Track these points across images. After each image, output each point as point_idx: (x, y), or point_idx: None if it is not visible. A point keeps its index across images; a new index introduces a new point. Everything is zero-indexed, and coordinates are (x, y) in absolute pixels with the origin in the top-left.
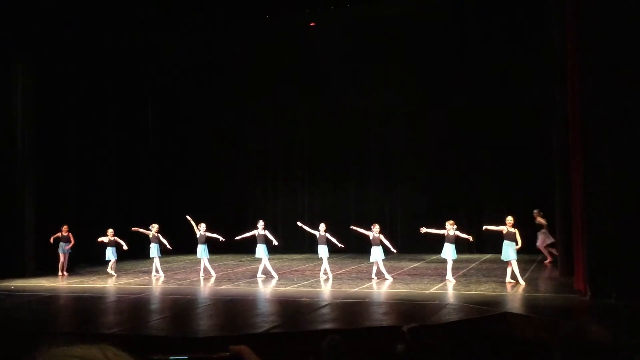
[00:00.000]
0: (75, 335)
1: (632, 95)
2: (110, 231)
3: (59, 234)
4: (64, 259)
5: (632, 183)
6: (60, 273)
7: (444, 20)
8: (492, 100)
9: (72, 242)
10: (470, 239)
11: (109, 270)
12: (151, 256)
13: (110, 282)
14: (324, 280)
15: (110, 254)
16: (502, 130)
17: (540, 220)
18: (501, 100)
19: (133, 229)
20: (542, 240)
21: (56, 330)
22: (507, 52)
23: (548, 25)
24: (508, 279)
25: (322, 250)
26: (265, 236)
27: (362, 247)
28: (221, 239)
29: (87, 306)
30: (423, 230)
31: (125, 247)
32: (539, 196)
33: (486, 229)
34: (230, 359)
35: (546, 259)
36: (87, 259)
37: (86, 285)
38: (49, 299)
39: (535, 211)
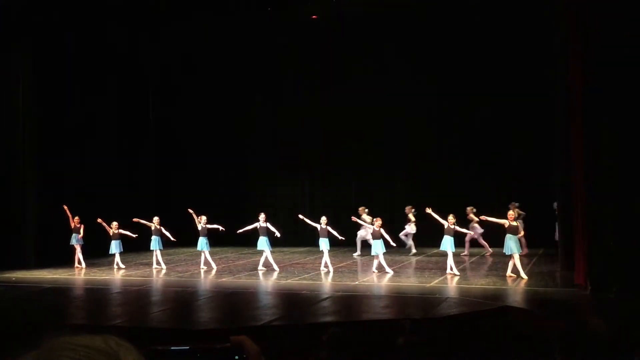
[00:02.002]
0: (80, 326)
1: (633, 94)
2: (114, 224)
3: (72, 224)
4: (79, 250)
5: (633, 179)
6: (76, 265)
7: (444, 16)
8: (494, 97)
9: (81, 234)
10: (471, 233)
11: (116, 264)
12: (152, 248)
13: (112, 274)
14: (325, 273)
15: (115, 247)
16: (504, 126)
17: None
18: (503, 97)
19: (134, 219)
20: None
21: (58, 322)
22: (509, 50)
23: (550, 25)
24: (509, 272)
25: (323, 243)
26: (266, 229)
27: (363, 241)
28: (221, 228)
29: (89, 298)
30: (428, 210)
31: (133, 235)
32: (540, 191)
33: (485, 219)
34: (231, 350)
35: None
36: (88, 251)
37: (88, 277)
38: (50, 291)
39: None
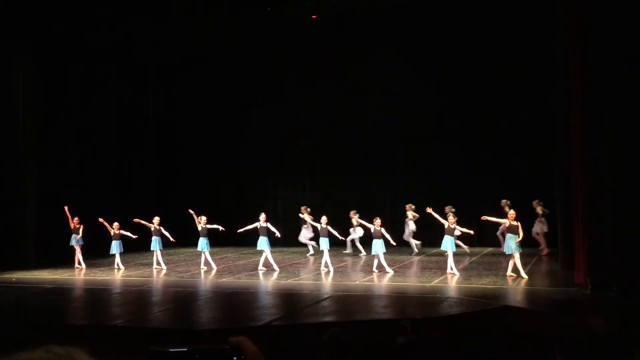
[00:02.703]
0: (80, 327)
1: (633, 93)
2: (116, 224)
3: (72, 225)
4: (79, 251)
5: (633, 178)
6: (77, 265)
7: (445, 17)
8: (495, 94)
9: (80, 234)
10: (472, 232)
11: (116, 265)
12: (152, 249)
13: (112, 275)
14: (325, 273)
15: (115, 247)
16: (505, 124)
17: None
18: (504, 94)
19: (135, 220)
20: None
21: (59, 322)
22: (509, 50)
23: (550, 26)
24: (509, 272)
25: (324, 243)
26: (267, 228)
27: (363, 240)
28: (221, 228)
29: (89, 298)
30: (429, 210)
31: (134, 237)
32: (541, 190)
33: (485, 219)
34: (229, 350)
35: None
36: (89, 251)
37: (88, 277)
38: (50, 291)
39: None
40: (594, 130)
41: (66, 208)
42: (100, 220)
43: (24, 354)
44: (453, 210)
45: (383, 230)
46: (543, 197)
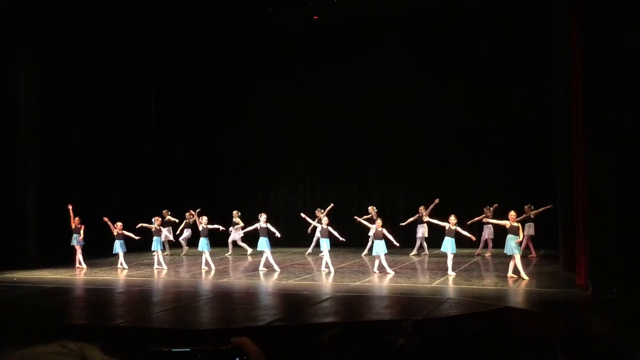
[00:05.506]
0: (80, 327)
1: (634, 91)
2: (119, 224)
3: (72, 225)
4: (79, 251)
5: (634, 178)
6: (77, 266)
7: (444, 16)
8: (495, 96)
9: (82, 235)
10: (473, 238)
11: (120, 264)
12: (153, 249)
13: (114, 275)
14: (326, 273)
15: (118, 247)
16: (505, 126)
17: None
18: (504, 96)
19: (138, 226)
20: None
21: (59, 321)
22: (510, 49)
23: (551, 24)
24: (510, 273)
25: (324, 244)
26: (267, 229)
27: (364, 241)
28: (221, 228)
29: (90, 298)
30: (427, 214)
31: (136, 237)
32: (542, 192)
33: (487, 222)
34: (231, 351)
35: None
36: (90, 251)
37: (89, 277)
38: (51, 291)
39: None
40: (595, 130)
41: (70, 207)
42: (105, 219)
43: (39, 347)
44: (424, 210)
45: (384, 231)
46: (543, 198)
